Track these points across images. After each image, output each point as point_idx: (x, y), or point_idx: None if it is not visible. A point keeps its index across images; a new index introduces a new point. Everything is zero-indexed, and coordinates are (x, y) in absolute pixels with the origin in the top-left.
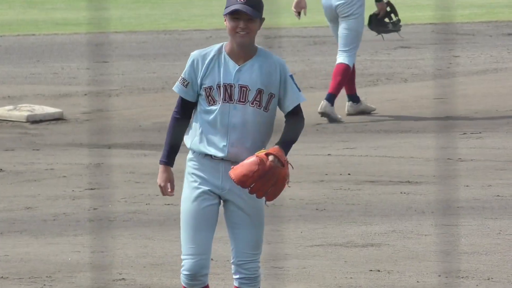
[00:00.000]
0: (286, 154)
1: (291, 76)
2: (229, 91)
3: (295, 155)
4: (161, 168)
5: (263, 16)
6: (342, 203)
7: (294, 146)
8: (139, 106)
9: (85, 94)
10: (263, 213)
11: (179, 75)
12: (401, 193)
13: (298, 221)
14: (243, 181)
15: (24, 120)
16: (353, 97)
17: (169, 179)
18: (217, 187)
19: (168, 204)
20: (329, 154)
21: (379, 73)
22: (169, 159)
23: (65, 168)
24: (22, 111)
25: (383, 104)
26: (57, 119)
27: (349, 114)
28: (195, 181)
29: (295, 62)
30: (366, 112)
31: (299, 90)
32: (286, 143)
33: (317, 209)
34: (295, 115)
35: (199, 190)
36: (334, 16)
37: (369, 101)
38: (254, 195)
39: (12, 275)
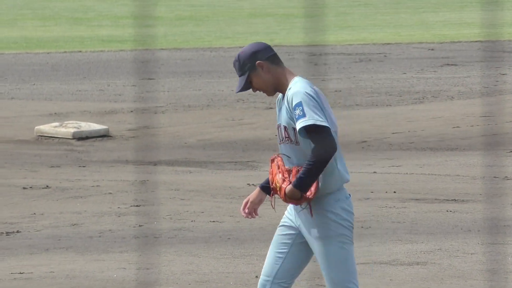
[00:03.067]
0: (299, 187)
1: (297, 104)
2: (278, 131)
3: None
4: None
5: (257, 61)
6: (387, 221)
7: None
8: (185, 123)
9: (131, 111)
10: (330, 247)
11: (224, 92)
12: (447, 211)
13: None
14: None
15: (70, 137)
16: None
17: (253, 198)
18: (293, 222)
19: (213, 221)
20: (374, 172)
21: (425, 91)
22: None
23: (111, 185)
24: (68, 128)
25: (429, 121)
26: (103, 136)
27: None
28: (284, 215)
29: (340, 79)
30: None
31: (303, 115)
32: (298, 179)
33: (362, 227)
34: (313, 142)
35: (282, 224)
36: None
37: (415, 118)
38: (319, 232)
39: None
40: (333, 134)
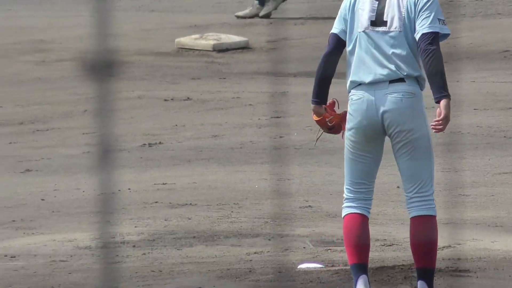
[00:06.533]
0: None
1: None
2: None
3: (481, 82)
4: None
5: None
6: None
7: (481, 73)
8: (324, 34)
9: (270, 23)
10: None
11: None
12: None
13: (486, 148)
14: None
15: (210, 49)
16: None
17: None
18: None
19: None
20: None
21: None
22: None
23: (251, 97)
24: (208, 40)
25: None
26: (243, 47)
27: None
28: None
29: None
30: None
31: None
32: None
33: (505, 136)
34: None
35: None
36: None
37: None
38: None
39: (201, 202)
40: (350, 36)
